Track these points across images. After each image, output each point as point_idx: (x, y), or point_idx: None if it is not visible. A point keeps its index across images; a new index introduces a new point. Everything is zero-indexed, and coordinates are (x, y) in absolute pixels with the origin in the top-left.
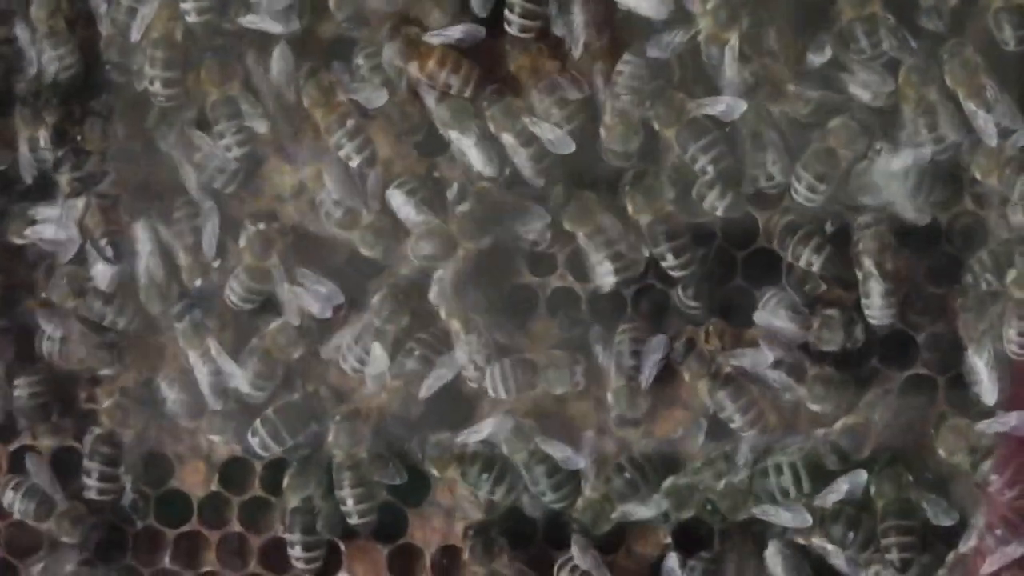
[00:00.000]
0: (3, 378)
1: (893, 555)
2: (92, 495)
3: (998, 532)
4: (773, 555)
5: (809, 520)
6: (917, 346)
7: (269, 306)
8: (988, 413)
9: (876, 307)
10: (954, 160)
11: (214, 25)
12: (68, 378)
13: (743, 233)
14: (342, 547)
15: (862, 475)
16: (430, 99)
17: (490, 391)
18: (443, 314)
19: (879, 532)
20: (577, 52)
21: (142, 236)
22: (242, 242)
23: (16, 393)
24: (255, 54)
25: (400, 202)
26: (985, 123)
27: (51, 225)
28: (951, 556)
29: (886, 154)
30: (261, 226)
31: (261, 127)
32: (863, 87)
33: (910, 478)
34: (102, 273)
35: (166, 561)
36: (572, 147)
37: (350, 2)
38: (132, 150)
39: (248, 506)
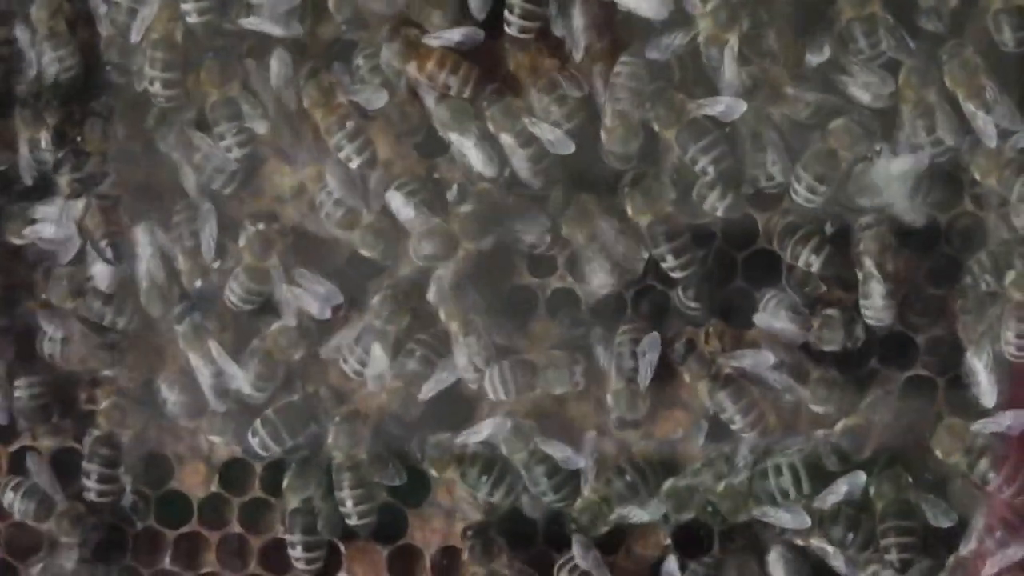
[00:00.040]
0: (4, 378)
1: (893, 556)
2: (92, 496)
3: (998, 535)
4: (775, 560)
5: (808, 521)
6: (917, 347)
7: (269, 308)
8: (987, 415)
9: (876, 308)
10: (954, 161)
11: (215, 26)
12: (68, 379)
13: (743, 234)
14: (342, 548)
15: (861, 476)
16: (429, 100)
17: (489, 393)
18: (442, 315)
19: (879, 533)
20: (578, 55)
21: (143, 239)
22: (241, 242)
23: (17, 394)
24: (255, 56)
25: (400, 203)
26: (985, 124)
27: (50, 224)
28: (951, 559)
29: (886, 156)
30: (261, 226)
31: (261, 128)
32: (863, 88)
33: (909, 479)
34: (102, 274)
35: (166, 562)
36: (572, 148)
37: (349, 4)
38: (132, 151)
39: (248, 507)
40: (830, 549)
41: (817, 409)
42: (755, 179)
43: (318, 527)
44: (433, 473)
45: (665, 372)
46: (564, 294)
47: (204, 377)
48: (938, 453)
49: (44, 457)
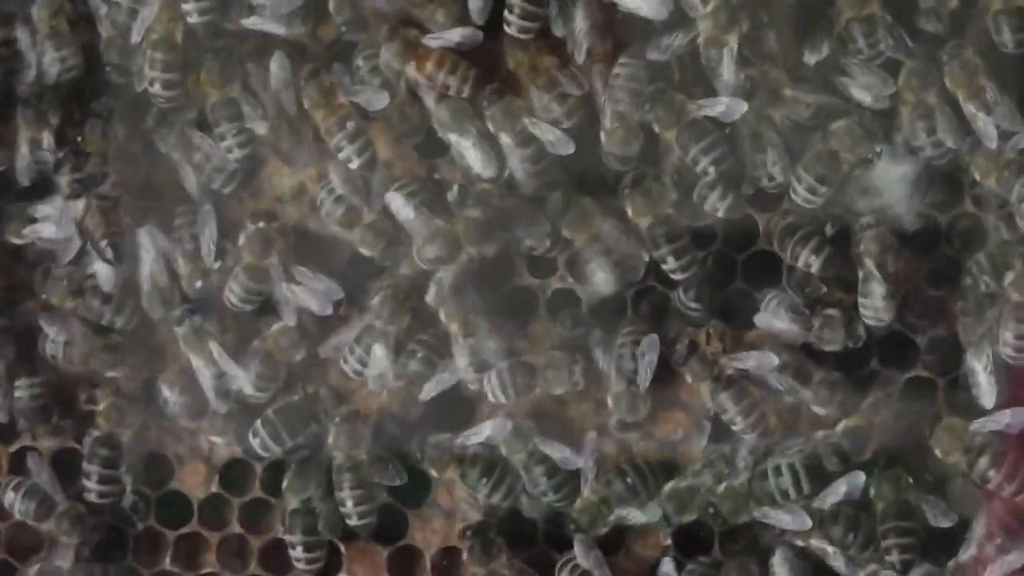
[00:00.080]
0: (4, 377)
1: (894, 557)
2: (92, 498)
3: (998, 541)
4: (780, 563)
5: (809, 523)
6: (917, 348)
7: (270, 309)
8: (986, 415)
9: (875, 308)
10: (954, 162)
11: (215, 26)
12: (68, 379)
13: (744, 235)
14: (342, 548)
15: (860, 476)
16: (429, 100)
17: (489, 397)
18: (442, 316)
19: (879, 534)
20: (580, 58)
21: (145, 242)
22: (241, 240)
23: (17, 394)
24: (255, 58)
25: (400, 204)
26: (985, 125)
27: (50, 224)
28: (951, 564)
29: (886, 158)
30: (261, 224)
31: (261, 129)
32: (865, 90)
33: (910, 480)
34: (104, 274)
35: (166, 562)
36: (572, 148)
37: (349, 5)
38: (132, 151)
39: (248, 507)
40: (830, 549)
41: (819, 411)
42: (756, 179)
43: (318, 527)
44: (433, 474)
45: (665, 373)
46: (565, 295)
47: (205, 378)
48: (938, 453)
49: (44, 457)
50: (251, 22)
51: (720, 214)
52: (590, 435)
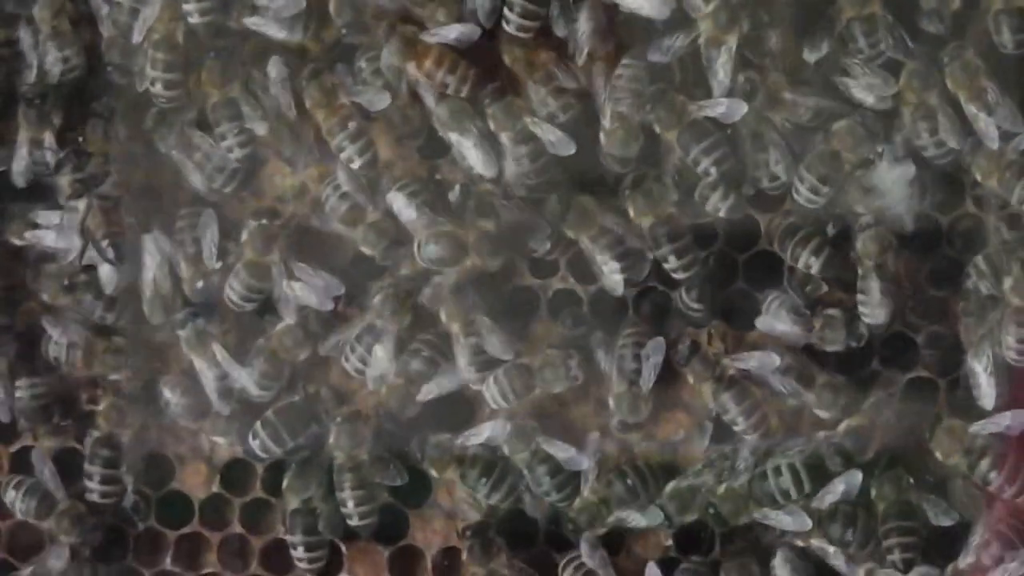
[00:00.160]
0: (5, 375)
1: (896, 556)
2: (94, 498)
3: (993, 550)
4: (781, 565)
5: (809, 523)
6: (918, 349)
7: (270, 310)
8: (988, 416)
9: (872, 305)
10: (956, 163)
11: (217, 26)
12: (70, 380)
13: (745, 235)
14: (343, 549)
15: (857, 475)
16: (429, 99)
17: (489, 402)
18: (443, 316)
19: (881, 533)
20: (581, 60)
21: (150, 247)
22: (243, 237)
23: (18, 394)
24: (256, 58)
25: (402, 204)
26: (986, 126)
27: (52, 232)
28: (950, 569)
29: (887, 159)
30: (263, 221)
31: (261, 129)
32: (867, 90)
33: (911, 480)
34: (106, 274)
35: (167, 562)
36: (572, 149)
37: (349, 7)
38: (133, 152)
39: (249, 507)
40: (830, 549)
41: (822, 413)
42: (757, 180)
43: (319, 528)
44: (433, 473)
45: (667, 374)
46: (566, 295)
47: (208, 380)
48: (938, 455)
49: (47, 455)
50: (252, 22)
51: (722, 214)
52: (593, 435)
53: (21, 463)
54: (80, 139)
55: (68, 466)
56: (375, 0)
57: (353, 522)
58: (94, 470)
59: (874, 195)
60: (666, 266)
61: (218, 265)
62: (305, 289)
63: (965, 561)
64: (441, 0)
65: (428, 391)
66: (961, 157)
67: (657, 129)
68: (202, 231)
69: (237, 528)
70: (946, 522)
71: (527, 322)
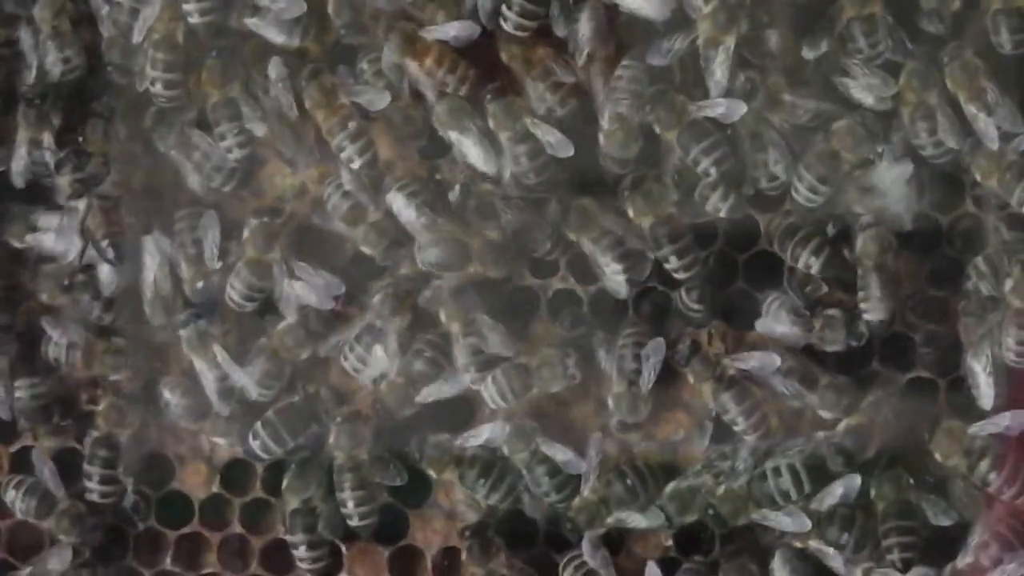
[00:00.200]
0: (5, 373)
1: (895, 555)
2: (94, 498)
3: (992, 551)
4: (780, 565)
5: (809, 524)
6: (918, 349)
7: (271, 312)
8: (988, 417)
9: (872, 301)
10: (955, 162)
11: (217, 26)
12: (70, 380)
13: (745, 236)
14: (343, 549)
15: (856, 479)
16: (430, 94)
17: (488, 403)
18: (443, 316)
19: (880, 533)
20: (581, 61)
21: (150, 248)
22: (245, 234)
23: (18, 394)
24: (256, 58)
25: (402, 205)
26: (986, 127)
27: (51, 235)
28: (948, 569)
29: (887, 159)
30: (265, 219)
31: (260, 130)
32: (866, 90)
33: (910, 480)
34: (105, 274)
35: (167, 562)
36: (571, 151)
37: (348, 8)
38: (133, 152)
39: (249, 507)
40: (829, 550)
41: (825, 414)
42: (756, 180)
43: (319, 528)
44: (432, 473)
45: (667, 374)
46: (565, 295)
47: (208, 381)
48: (937, 457)
49: (47, 454)
50: (252, 23)
51: (722, 214)
52: (595, 435)
53: (21, 463)
54: (80, 139)
55: (68, 466)
56: (373, 2)
57: (353, 522)
58: (93, 470)
59: (873, 195)
60: (667, 266)
61: (218, 266)
62: (305, 288)
63: (963, 561)
64: (440, 2)
65: (427, 394)
66: (961, 157)
67: (657, 129)
68: (203, 232)
69: (237, 528)
70: (945, 522)
71: (527, 322)
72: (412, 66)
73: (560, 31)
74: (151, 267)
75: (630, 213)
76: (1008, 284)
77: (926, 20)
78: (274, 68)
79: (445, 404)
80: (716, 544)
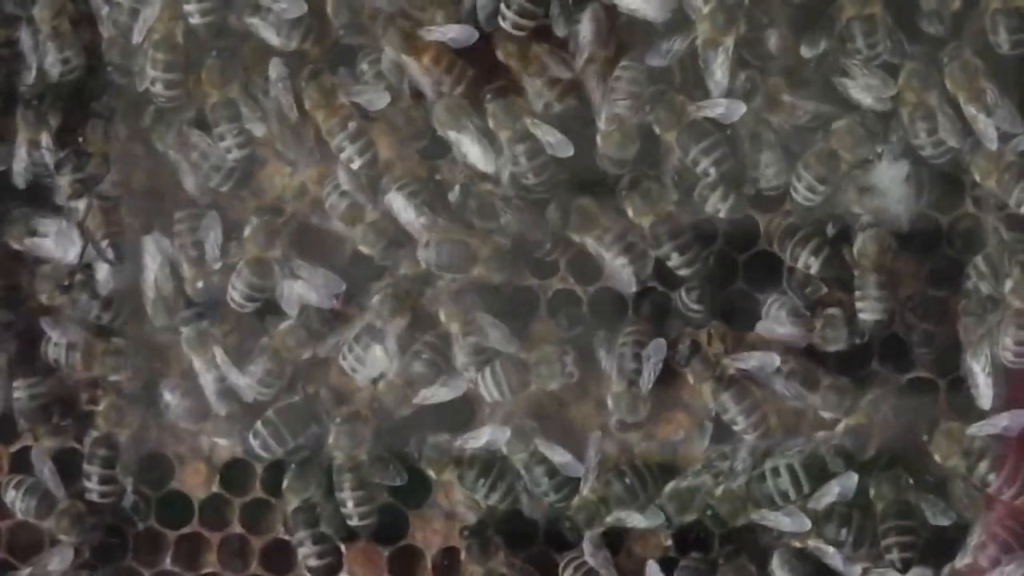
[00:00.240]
0: (4, 370)
1: (894, 555)
2: (94, 498)
3: (991, 551)
4: (780, 565)
5: (808, 524)
6: (917, 349)
7: (274, 310)
8: (986, 416)
9: (869, 301)
10: (955, 162)
11: (218, 25)
12: (69, 380)
13: (745, 236)
14: (343, 549)
15: (853, 478)
16: (429, 91)
17: (484, 394)
18: (442, 316)
19: (880, 533)
20: (580, 63)
21: (151, 249)
22: (246, 233)
23: (17, 395)
24: (256, 59)
25: (401, 205)
26: (986, 127)
27: (50, 241)
28: (947, 569)
29: (886, 158)
30: (266, 218)
31: (259, 130)
32: (865, 91)
33: (909, 480)
34: (105, 274)
35: (167, 562)
36: (571, 151)
37: (347, 8)
38: (133, 152)
39: (249, 507)
40: (828, 549)
41: (827, 415)
42: (756, 180)
43: (320, 526)
44: (431, 473)
45: (667, 374)
46: (565, 295)
47: (207, 381)
48: (936, 458)
49: (46, 454)
50: (252, 22)
51: (722, 215)
52: (595, 434)
53: (21, 463)
54: (80, 139)
55: (68, 466)
56: (372, 1)
57: (353, 522)
58: (93, 470)
59: (872, 195)
60: (669, 263)
61: (219, 266)
62: (306, 287)
63: (962, 562)
64: (440, 3)
65: (425, 396)
66: (960, 157)
67: (656, 130)
68: (205, 232)
69: (237, 528)
70: (944, 522)
71: (527, 322)
72: (410, 63)
73: (560, 31)
74: (152, 268)
75: (629, 213)
76: (1008, 284)
77: (926, 21)
78: (274, 69)
79: (445, 404)
80: (715, 544)
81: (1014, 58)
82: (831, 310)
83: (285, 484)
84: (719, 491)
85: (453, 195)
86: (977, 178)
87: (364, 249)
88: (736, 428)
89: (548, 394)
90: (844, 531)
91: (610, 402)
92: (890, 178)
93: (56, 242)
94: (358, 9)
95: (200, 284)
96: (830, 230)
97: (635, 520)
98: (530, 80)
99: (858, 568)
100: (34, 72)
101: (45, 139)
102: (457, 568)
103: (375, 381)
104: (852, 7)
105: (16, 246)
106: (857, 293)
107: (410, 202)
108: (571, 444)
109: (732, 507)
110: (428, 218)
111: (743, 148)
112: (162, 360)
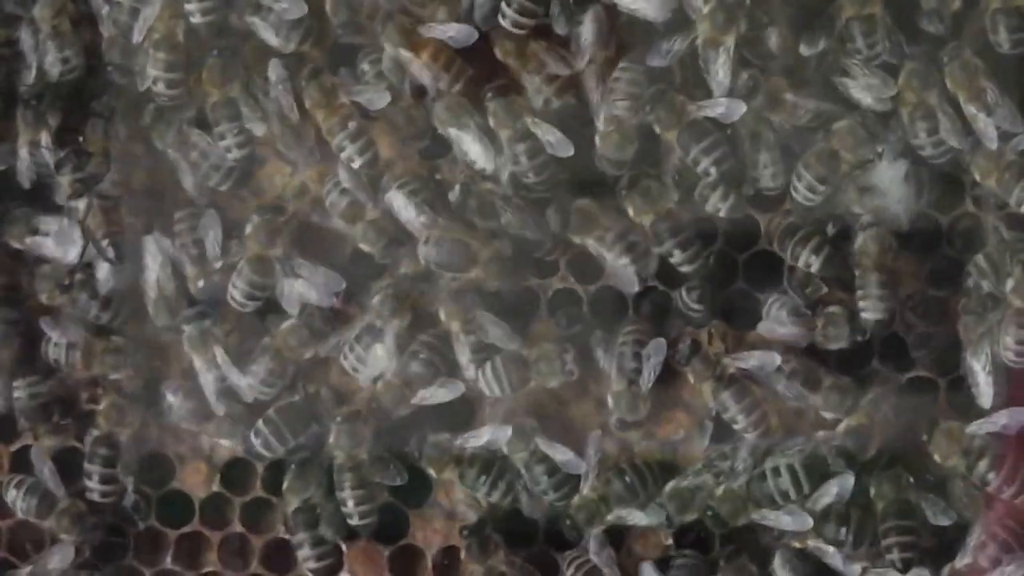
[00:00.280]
0: (5, 367)
1: (894, 555)
2: (95, 497)
3: (991, 551)
4: (781, 565)
5: (810, 523)
6: (917, 349)
7: (275, 310)
8: (987, 415)
9: (871, 300)
10: (955, 162)
11: (219, 25)
12: (69, 379)
13: (745, 235)
14: (343, 548)
15: (850, 478)
16: (428, 85)
17: (484, 390)
18: (442, 315)
19: (880, 533)
20: (581, 64)
21: (151, 248)
22: (247, 231)
23: (17, 394)
24: (256, 58)
25: (401, 203)
26: (986, 127)
27: (50, 241)
28: (946, 569)
29: (886, 158)
30: (267, 216)
31: (259, 130)
32: (866, 91)
33: (910, 479)
34: (105, 274)
35: (168, 562)
36: (571, 150)
37: (346, 7)
38: (134, 151)
39: (250, 507)
40: (828, 548)
41: (828, 415)
42: (755, 180)
43: (319, 528)
44: (431, 472)
45: (667, 373)
46: (565, 295)
47: (207, 381)
48: (936, 457)
49: (47, 454)
50: (252, 22)
51: (722, 214)
52: (595, 433)
53: (21, 462)
54: (80, 139)
55: (68, 465)
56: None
57: (353, 521)
58: (94, 469)
59: (872, 194)
60: (671, 260)
61: (219, 264)
62: (306, 285)
63: (962, 562)
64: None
65: (423, 397)
66: (961, 156)
67: (657, 129)
68: (205, 231)
69: (238, 527)
70: (944, 521)
71: (527, 322)
72: (408, 59)
73: (560, 29)
74: (153, 268)
75: (630, 212)
76: (1009, 284)
77: (926, 20)
78: (274, 69)
79: (445, 404)
80: (716, 544)
81: (1014, 57)
82: (832, 308)
83: (285, 485)
84: (720, 491)
85: (453, 194)
86: (977, 177)
87: (364, 247)
88: (736, 427)
89: (548, 393)
90: (844, 530)
91: (610, 401)
92: (890, 178)
93: (57, 241)
94: (356, 7)
95: (201, 283)
96: (830, 229)
97: (636, 518)
98: (528, 77)
99: (858, 567)
100: (34, 72)
101: (45, 139)
102: (457, 567)
103: (375, 381)
104: (852, 7)
105: (17, 245)
106: (859, 292)
107: (410, 201)
108: (571, 443)
109: (733, 507)
110: (428, 217)
111: (744, 148)
112: (162, 359)
